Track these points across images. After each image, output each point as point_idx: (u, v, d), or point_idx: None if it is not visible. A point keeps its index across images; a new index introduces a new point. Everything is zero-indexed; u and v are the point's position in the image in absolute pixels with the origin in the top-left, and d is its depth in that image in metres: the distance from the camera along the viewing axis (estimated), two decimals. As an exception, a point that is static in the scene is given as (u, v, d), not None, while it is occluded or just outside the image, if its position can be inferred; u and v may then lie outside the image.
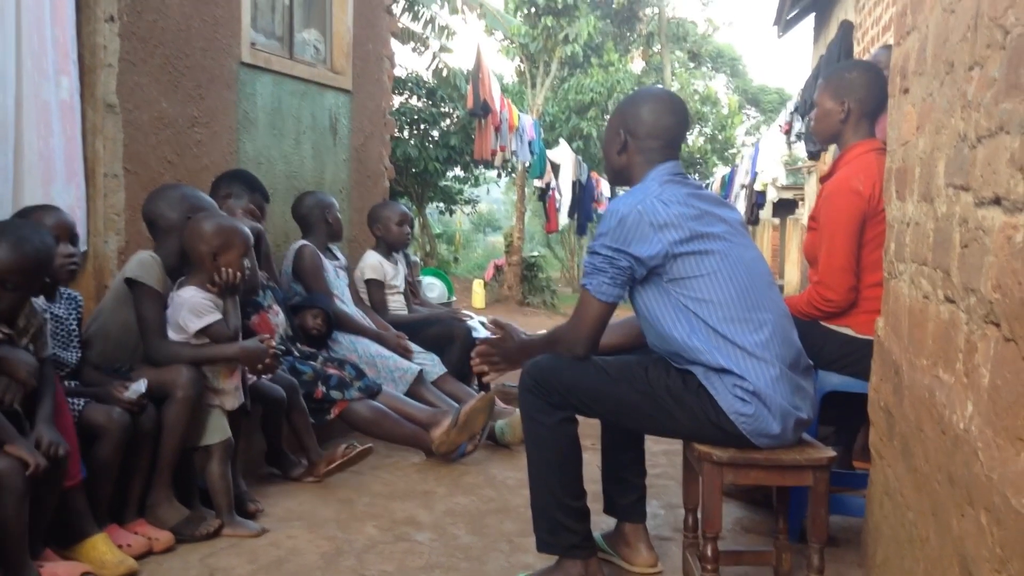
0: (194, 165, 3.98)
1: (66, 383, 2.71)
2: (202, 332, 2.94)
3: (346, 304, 4.41)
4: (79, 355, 2.84)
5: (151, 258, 2.98)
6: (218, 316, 2.96)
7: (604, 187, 14.11)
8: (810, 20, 10.14)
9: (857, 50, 6.29)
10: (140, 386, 2.73)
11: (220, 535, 2.87)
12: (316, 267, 4.29)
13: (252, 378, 3.21)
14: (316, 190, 4.74)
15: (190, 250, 3.00)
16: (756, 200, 12.53)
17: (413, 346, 4.45)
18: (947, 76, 1.88)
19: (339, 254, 4.65)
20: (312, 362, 3.82)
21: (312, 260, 4.29)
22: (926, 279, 2.00)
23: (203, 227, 2.98)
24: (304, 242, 4.35)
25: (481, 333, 4.60)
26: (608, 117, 2.64)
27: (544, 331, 2.72)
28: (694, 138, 21.43)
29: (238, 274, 2.99)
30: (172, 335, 2.94)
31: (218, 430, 2.97)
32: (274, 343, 3.11)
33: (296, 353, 3.82)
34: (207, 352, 2.95)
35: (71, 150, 3.33)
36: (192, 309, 2.92)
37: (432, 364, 4.42)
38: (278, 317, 3.75)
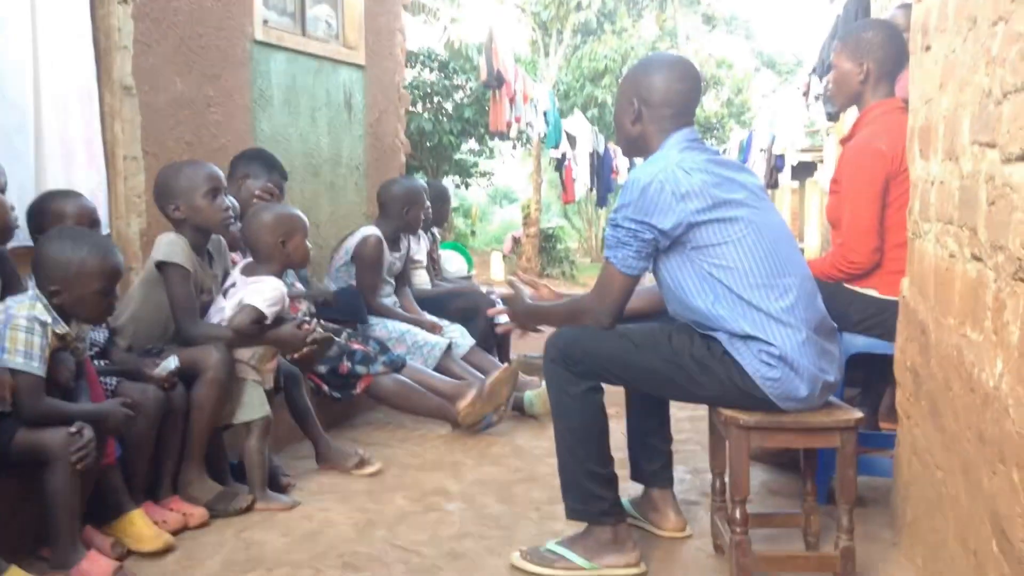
0: (212, 145, 4.00)
1: (96, 362, 2.74)
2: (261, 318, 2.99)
3: (385, 296, 4.44)
4: (107, 335, 2.88)
5: (177, 238, 2.99)
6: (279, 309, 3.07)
7: (622, 157, 14.01)
8: (826, -22, 9.99)
9: (875, 8, 6.19)
10: (171, 363, 2.75)
11: (253, 510, 2.91)
12: (376, 261, 4.29)
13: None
14: (407, 177, 4.70)
15: (256, 242, 3.09)
16: (775, 164, 12.43)
17: (442, 321, 4.48)
18: (970, 32, 1.86)
19: (403, 244, 4.61)
20: (336, 338, 3.85)
21: (375, 253, 4.28)
22: (952, 238, 1.99)
23: (265, 219, 3.09)
24: (375, 232, 4.32)
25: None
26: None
27: (565, 299, 2.71)
28: (710, 102, 21.19)
29: (307, 255, 3.18)
30: (215, 317, 3.01)
31: (259, 406, 3.02)
32: (313, 325, 3.14)
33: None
34: (241, 334, 2.98)
35: (90, 134, 3.36)
36: (271, 299, 2.99)
37: (461, 336, 4.45)
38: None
